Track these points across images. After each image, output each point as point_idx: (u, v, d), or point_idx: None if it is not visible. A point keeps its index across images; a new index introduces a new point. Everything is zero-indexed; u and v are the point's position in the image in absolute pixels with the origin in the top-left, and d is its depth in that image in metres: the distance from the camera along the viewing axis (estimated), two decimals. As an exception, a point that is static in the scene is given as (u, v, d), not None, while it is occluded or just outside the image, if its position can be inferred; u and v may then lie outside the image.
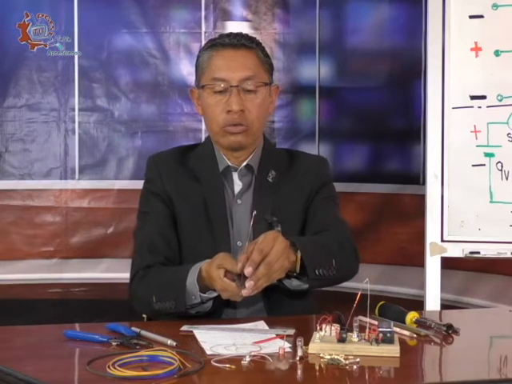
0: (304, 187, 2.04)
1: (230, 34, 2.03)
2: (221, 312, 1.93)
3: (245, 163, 2.03)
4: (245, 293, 1.67)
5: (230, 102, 1.96)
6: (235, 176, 2.04)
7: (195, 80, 2.07)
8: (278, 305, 1.93)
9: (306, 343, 1.51)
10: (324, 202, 2.05)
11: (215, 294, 1.80)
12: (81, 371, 1.45)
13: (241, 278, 1.66)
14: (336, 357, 1.46)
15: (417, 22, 4.62)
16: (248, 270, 1.65)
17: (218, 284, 1.72)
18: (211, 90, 1.98)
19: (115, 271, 4.73)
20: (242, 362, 1.45)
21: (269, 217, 1.94)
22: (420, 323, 1.74)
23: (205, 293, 1.80)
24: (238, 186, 2.03)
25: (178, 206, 2.00)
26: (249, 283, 1.65)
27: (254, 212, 1.75)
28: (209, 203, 1.99)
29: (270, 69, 2.04)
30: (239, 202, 2.01)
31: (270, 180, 2.03)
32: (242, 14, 5.05)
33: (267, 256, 1.67)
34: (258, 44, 2.03)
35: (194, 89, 2.07)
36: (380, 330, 1.52)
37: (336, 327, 1.54)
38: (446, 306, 3.58)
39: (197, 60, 2.05)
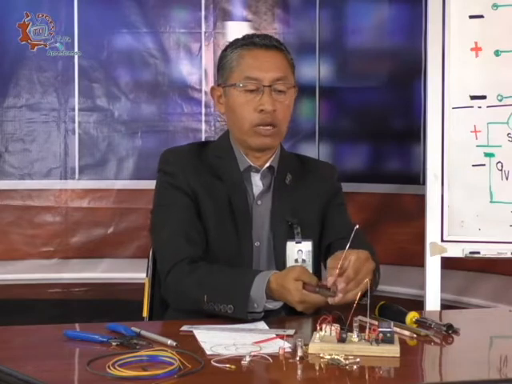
0: (320, 193, 2.07)
1: (260, 35, 2.05)
2: None
3: (268, 164, 2.04)
4: (331, 301, 1.71)
5: (263, 102, 1.96)
6: (254, 176, 2.04)
7: (218, 79, 2.06)
8: None
9: (306, 343, 1.51)
10: (339, 209, 2.10)
11: (279, 306, 1.84)
12: (81, 371, 1.45)
13: (324, 289, 1.71)
14: (336, 357, 1.46)
15: (417, 22, 4.61)
16: (341, 286, 1.68)
17: (296, 296, 1.73)
18: (243, 88, 1.98)
19: (115, 271, 4.72)
20: (242, 362, 1.45)
21: (290, 218, 1.95)
22: (420, 323, 1.74)
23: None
24: (256, 186, 2.03)
25: (203, 200, 1.98)
26: (338, 297, 1.69)
27: (356, 226, 1.73)
28: (233, 202, 1.98)
29: (294, 71, 2.06)
30: (259, 202, 2.01)
31: (288, 183, 2.04)
32: (242, 14, 5.04)
33: (358, 274, 1.71)
34: (285, 46, 2.06)
35: (216, 87, 2.06)
36: (380, 330, 1.52)
37: (336, 327, 1.54)
38: (446, 306, 3.57)
39: (222, 59, 2.04)
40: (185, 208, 1.98)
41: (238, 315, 1.77)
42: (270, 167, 2.04)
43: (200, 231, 1.96)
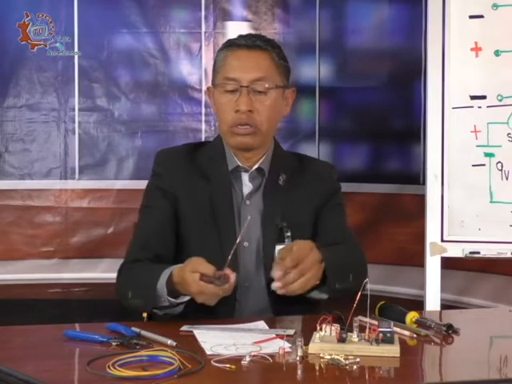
0: (315, 193, 2.05)
1: (248, 35, 2.05)
2: (233, 312, 1.94)
3: (256, 166, 2.03)
4: (280, 290, 1.74)
5: (238, 102, 1.97)
6: (244, 177, 2.04)
7: (212, 79, 2.08)
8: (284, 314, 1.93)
9: (306, 343, 1.51)
10: (336, 210, 2.08)
11: (186, 299, 1.80)
12: (81, 371, 1.45)
13: (220, 279, 1.69)
14: (336, 357, 1.47)
15: (417, 22, 4.61)
16: (278, 274, 1.71)
17: (194, 288, 1.72)
18: (222, 88, 1.99)
19: (115, 271, 4.68)
20: (242, 362, 1.45)
21: (279, 222, 1.95)
22: (420, 323, 1.74)
23: (176, 297, 1.80)
24: (246, 186, 2.03)
25: (183, 203, 2.00)
26: (277, 284, 1.73)
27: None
28: (216, 202, 1.99)
29: (285, 72, 2.04)
30: (248, 202, 2.01)
31: (281, 183, 2.03)
32: (242, 14, 5.04)
33: (300, 264, 1.72)
34: (274, 46, 2.03)
35: (211, 87, 2.08)
36: (380, 330, 1.52)
37: (336, 327, 1.54)
38: (446, 306, 3.57)
39: (214, 59, 2.07)
40: (159, 211, 2.01)
41: (147, 309, 1.85)
42: (260, 169, 2.04)
43: (163, 235, 1.98)
